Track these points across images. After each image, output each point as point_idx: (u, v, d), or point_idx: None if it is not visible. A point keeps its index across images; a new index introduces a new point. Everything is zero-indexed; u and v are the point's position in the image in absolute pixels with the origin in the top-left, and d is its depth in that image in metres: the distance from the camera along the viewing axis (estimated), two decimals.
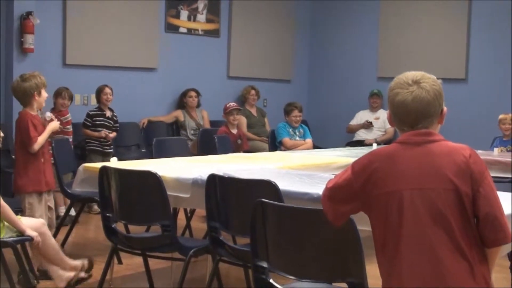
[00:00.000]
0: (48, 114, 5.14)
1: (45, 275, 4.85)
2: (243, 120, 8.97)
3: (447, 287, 2.33)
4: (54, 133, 5.34)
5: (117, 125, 7.66)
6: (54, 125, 5.08)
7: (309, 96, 10.76)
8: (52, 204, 5.12)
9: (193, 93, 8.94)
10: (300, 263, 2.92)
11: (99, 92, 7.55)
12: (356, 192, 2.47)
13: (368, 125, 9.58)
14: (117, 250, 4.47)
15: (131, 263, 5.26)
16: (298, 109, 7.72)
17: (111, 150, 7.51)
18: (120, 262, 5.28)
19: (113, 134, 7.55)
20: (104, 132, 7.40)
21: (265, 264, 3.00)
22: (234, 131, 7.51)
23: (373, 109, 9.70)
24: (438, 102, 2.47)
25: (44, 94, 5.00)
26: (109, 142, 7.51)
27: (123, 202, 4.16)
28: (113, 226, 4.26)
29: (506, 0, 8.93)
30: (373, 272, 2.63)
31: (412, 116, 2.46)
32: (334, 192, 2.54)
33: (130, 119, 8.48)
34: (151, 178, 4.00)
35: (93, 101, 7.89)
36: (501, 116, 7.53)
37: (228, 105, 7.70)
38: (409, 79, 2.47)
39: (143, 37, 8.74)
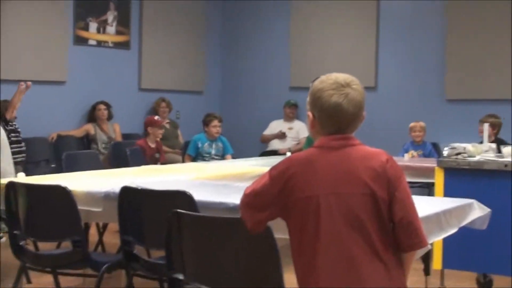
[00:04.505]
0: None
1: None
2: None
3: None
4: None
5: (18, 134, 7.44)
6: None
7: (221, 106, 10.72)
8: None
9: (102, 106, 8.79)
10: (217, 272, 2.88)
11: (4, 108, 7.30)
12: (274, 198, 2.43)
13: (282, 136, 9.62)
14: (25, 269, 4.31)
15: (41, 282, 5.08)
16: (217, 119, 7.52)
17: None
18: (29, 281, 5.09)
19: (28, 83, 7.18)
20: (22, 83, 7.09)
21: (181, 276, 2.94)
22: (153, 145, 7.37)
23: (289, 119, 9.74)
24: (364, 105, 2.46)
25: None
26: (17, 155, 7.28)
27: (31, 218, 4.00)
28: (21, 244, 4.09)
29: (414, 12, 9.18)
30: (291, 280, 2.61)
31: (349, 119, 2.42)
32: (252, 198, 2.49)
33: (39, 134, 8.23)
34: (60, 192, 3.86)
35: None
36: (411, 124, 7.81)
37: (156, 118, 7.52)
38: (341, 80, 2.44)
39: (51, 49, 8.52)
